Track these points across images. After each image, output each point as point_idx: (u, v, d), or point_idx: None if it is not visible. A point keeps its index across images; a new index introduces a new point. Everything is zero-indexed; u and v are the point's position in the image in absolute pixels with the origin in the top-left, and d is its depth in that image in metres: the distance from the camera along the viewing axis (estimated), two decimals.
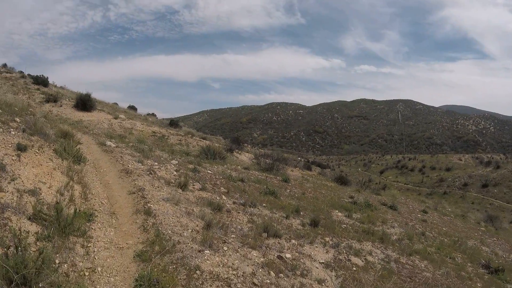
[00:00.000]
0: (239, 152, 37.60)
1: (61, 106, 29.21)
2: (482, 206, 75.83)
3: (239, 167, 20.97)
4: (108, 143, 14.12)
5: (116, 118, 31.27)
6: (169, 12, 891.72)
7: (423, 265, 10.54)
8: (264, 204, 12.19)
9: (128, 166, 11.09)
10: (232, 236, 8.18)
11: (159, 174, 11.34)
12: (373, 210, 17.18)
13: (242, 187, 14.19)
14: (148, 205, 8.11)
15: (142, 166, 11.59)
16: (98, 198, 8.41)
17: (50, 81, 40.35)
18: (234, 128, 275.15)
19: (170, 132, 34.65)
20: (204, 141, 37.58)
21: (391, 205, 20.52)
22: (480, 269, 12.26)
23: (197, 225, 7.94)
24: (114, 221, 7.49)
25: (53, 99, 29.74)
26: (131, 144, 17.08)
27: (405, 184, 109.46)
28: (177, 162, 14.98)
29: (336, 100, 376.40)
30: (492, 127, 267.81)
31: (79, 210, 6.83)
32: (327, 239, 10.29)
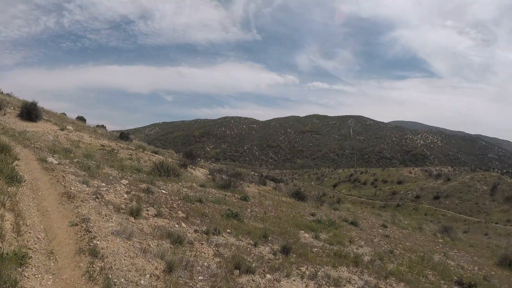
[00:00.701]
0: (193, 167, 36.33)
1: (4, 114, 27.50)
2: (435, 217, 77.85)
3: (194, 184, 19.78)
4: (50, 159, 12.47)
5: (62, 129, 29.49)
6: (125, 21, 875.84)
7: None
8: (228, 230, 10.94)
9: (71, 189, 9.55)
10: (200, 277, 6.91)
11: (107, 198, 9.85)
12: (337, 228, 16.89)
13: (202, 210, 12.85)
14: (94, 242, 6.61)
15: (87, 188, 10.06)
16: (33, 232, 6.97)
17: None
18: (187, 141, 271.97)
19: (120, 146, 32.99)
20: (156, 155, 36.05)
21: (352, 222, 20.34)
22: (454, 286, 12.10)
23: (156, 268, 6.58)
24: (52, 264, 6.03)
25: None
26: (77, 160, 15.42)
27: (358, 197, 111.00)
28: (127, 181, 13.50)
29: (289, 115, 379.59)
30: (439, 141, 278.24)
31: (8, 253, 5.42)
32: (303, 269, 9.23)
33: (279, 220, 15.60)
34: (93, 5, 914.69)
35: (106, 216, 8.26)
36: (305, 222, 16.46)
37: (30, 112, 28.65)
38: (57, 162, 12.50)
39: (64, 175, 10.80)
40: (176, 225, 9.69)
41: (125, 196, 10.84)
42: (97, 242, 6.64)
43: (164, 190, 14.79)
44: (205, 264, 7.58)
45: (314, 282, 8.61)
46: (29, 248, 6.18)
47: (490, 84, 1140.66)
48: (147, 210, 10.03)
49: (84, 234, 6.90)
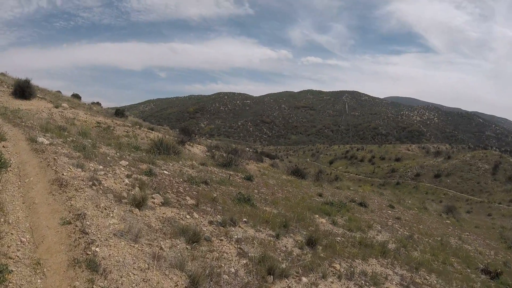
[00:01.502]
0: (191, 144, 35.45)
1: None
2: (437, 196, 77.34)
3: (195, 162, 18.77)
4: (41, 139, 11.06)
5: (57, 107, 28.73)
6: None
7: (435, 281, 9.67)
8: (244, 219, 9.69)
9: (63, 174, 8.20)
10: None
11: (105, 185, 8.51)
12: (349, 210, 16.25)
13: (211, 194, 11.61)
14: (93, 248, 5.18)
15: (82, 173, 8.70)
16: (16, 232, 5.67)
17: None
18: (181, 118, 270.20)
19: (116, 123, 31.95)
20: (153, 132, 35.08)
21: (360, 202, 19.73)
22: (481, 275, 11.92)
23: (177, 284, 5.19)
24: (39, 281, 4.62)
25: None
26: (71, 138, 14.08)
27: (356, 174, 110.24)
28: (127, 162, 12.13)
29: (283, 91, 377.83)
30: (436, 118, 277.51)
31: None
32: (337, 266, 8.09)
33: (289, 202, 14.80)
34: None
35: (105, 209, 6.88)
36: (316, 205, 15.72)
37: (23, 90, 27.76)
38: (48, 142, 11.09)
39: (55, 157, 9.42)
40: (188, 216, 8.37)
41: (126, 180, 9.49)
42: (97, 249, 5.24)
43: (166, 170, 13.64)
44: (232, 270, 6.25)
45: (353, 283, 7.47)
46: (10, 258, 4.85)
47: (487, 60, 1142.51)
48: (153, 198, 8.69)
49: (79, 237, 5.48)
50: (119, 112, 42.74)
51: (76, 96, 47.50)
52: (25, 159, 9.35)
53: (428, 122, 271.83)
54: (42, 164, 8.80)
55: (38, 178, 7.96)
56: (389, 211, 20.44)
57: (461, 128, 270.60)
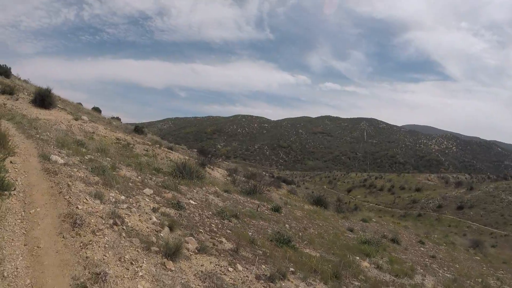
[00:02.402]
0: (211, 167, 34.14)
1: (17, 99, 25.85)
2: (460, 229, 74.60)
3: (218, 189, 17.70)
4: (54, 157, 9.56)
5: (77, 119, 27.76)
6: (142, 17, 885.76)
7: None
8: (291, 269, 8.08)
9: (78, 207, 6.58)
10: None
11: (129, 224, 6.86)
12: (385, 249, 15.54)
13: (245, 234, 10.17)
14: None
15: (101, 206, 7.05)
16: None
17: (15, 73, 37.60)
18: (198, 138, 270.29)
19: (135, 140, 30.86)
20: (172, 152, 33.85)
21: (392, 239, 19.06)
22: None
23: None
24: None
25: (9, 91, 26.33)
26: (89, 157, 12.65)
27: (376, 204, 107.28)
28: (151, 191, 10.59)
29: (301, 116, 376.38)
30: (454, 147, 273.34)
31: None
32: None
33: (324, 240, 13.91)
34: (112, 0, 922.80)
35: (132, 263, 5.13)
36: (352, 243, 15.04)
37: (43, 98, 26.96)
38: (63, 162, 9.57)
39: (70, 182, 7.85)
40: (230, 268, 6.63)
41: (154, 218, 7.78)
42: None
43: (192, 199, 12.47)
44: None
45: None
46: None
47: (505, 88, 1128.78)
48: (186, 242, 7.04)
49: None
50: (138, 129, 42.10)
51: (96, 110, 46.74)
52: (33, 181, 7.81)
53: (447, 151, 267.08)
54: (53, 191, 7.25)
55: (47, 210, 6.38)
56: (422, 248, 19.79)
57: (480, 158, 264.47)
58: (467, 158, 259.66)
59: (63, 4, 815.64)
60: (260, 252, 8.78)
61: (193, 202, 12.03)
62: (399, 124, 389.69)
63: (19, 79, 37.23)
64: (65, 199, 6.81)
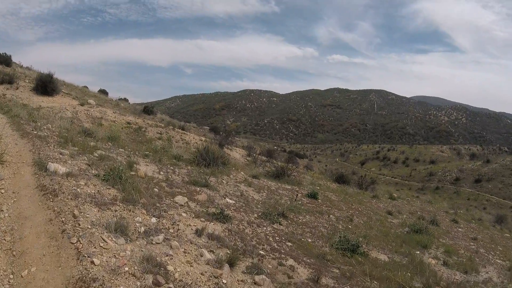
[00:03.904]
0: (230, 148, 32.12)
1: (17, 88, 24.44)
2: (479, 203, 72.96)
3: (245, 175, 16.72)
4: (53, 166, 6.90)
5: (83, 104, 26.33)
6: None
7: None
8: None
9: (93, 262, 4.08)
10: None
11: (177, 276, 4.38)
12: (434, 236, 14.41)
13: (305, 243, 8.98)
14: None
15: (128, 250, 4.53)
16: None
17: (17, 61, 36.78)
18: (207, 114, 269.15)
19: (147, 123, 28.74)
20: (186, 133, 31.81)
21: (431, 220, 17.71)
22: None
23: None
24: None
25: (8, 79, 24.79)
26: (99, 153, 10.26)
27: (392, 177, 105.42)
28: (185, 199, 8.22)
29: (309, 89, 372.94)
30: (464, 118, 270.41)
31: None
32: None
33: (374, 232, 12.88)
34: None
35: None
36: (400, 231, 14.20)
37: (45, 85, 25.39)
38: (64, 171, 6.95)
39: (76, 209, 5.28)
40: None
41: (205, 253, 5.18)
42: None
43: (228, 197, 10.94)
44: None
45: None
46: None
47: None
48: (256, 284, 4.75)
49: None
50: (147, 109, 40.51)
51: (103, 92, 45.77)
52: (25, 209, 5.40)
53: (456, 122, 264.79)
54: (53, 227, 4.77)
55: (46, 271, 3.96)
56: (459, 229, 18.80)
57: (489, 129, 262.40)
58: (477, 129, 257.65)
59: None
60: (337, 271, 7.45)
61: (231, 201, 10.53)
62: (408, 96, 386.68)
63: (21, 66, 36.10)
64: (72, 243, 4.36)
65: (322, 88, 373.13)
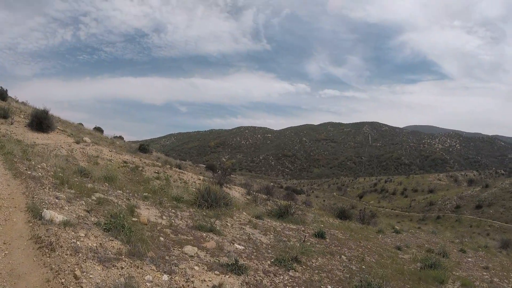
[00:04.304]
0: (229, 186, 31.45)
1: (11, 123, 24.20)
2: (482, 229, 71.99)
3: (248, 216, 16.12)
4: (49, 214, 6.04)
5: (78, 142, 26.07)
6: (139, 35, 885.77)
7: None
8: None
9: None
10: None
11: None
12: (448, 270, 13.57)
13: None
14: None
15: None
16: None
17: (12, 95, 36.61)
18: (202, 152, 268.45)
19: (144, 162, 28.18)
20: (184, 172, 31.30)
21: (440, 252, 17.36)
22: None
23: None
24: None
25: (3, 114, 24.78)
26: (97, 196, 9.59)
27: (392, 209, 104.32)
28: (194, 249, 7.48)
29: (303, 124, 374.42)
30: (457, 145, 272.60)
31: None
32: None
33: (386, 269, 11.99)
34: (107, 19, 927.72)
35: None
36: (413, 267, 13.47)
37: (41, 121, 25.15)
38: (61, 219, 6.07)
39: (77, 269, 4.53)
40: None
41: None
42: None
43: (236, 242, 10.18)
44: None
45: None
46: None
47: (502, 83, 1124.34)
48: None
49: None
50: (143, 148, 40.35)
51: (98, 129, 45.98)
52: (17, 265, 4.62)
53: (450, 149, 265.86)
54: None
55: None
56: (469, 259, 18.42)
57: (484, 153, 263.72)
58: (471, 154, 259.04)
59: (60, 24, 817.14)
60: None
61: (240, 247, 9.82)
62: (401, 126, 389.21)
63: (17, 101, 36.08)
64: None
65: (316, 123, 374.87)
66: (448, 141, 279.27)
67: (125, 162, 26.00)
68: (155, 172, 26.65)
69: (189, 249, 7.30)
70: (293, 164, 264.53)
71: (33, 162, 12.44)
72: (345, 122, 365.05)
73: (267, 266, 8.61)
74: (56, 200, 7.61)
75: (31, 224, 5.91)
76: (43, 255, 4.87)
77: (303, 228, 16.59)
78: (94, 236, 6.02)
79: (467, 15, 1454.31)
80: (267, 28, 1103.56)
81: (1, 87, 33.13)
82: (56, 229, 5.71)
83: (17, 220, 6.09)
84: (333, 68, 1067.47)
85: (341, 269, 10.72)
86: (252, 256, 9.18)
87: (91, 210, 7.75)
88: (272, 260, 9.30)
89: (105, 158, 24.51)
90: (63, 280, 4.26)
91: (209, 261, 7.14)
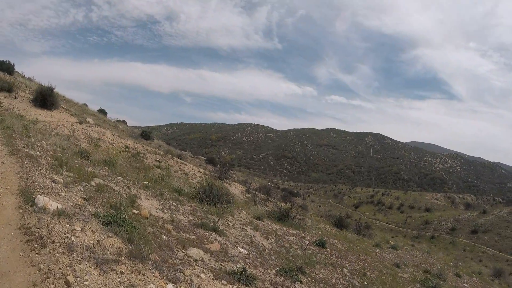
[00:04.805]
0: (229, 182, 30.92)
1: (15, 98, 23.43)
2: (475, 255, 71.39)
3: (248, 216, 15.83)
4: (42, 200, 5.37)
5: (81, 122, 25.62)
6: (151, 21, 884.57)
7: None
8: None
9: None
10: None
11: None
12: None
13: None
14: None
15: None
16: None
17: (20, 70, 36.32)
18: (203, 144, 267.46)
19: (146, 149, 27.67)
20: (185, 163, 30.80)
21: (437, 275, 17.19)
22: None
23: None
24: None
25: (7, 87, 23.83)
26: (96, 181, 8.94)
27: (387, 223, 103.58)
28: (200, 252, 6.86)
29: (306, 127, 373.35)
30: (458, 167, 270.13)
31: None
32: None
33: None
34: (121, 3, 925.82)
35: None
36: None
37: (45, 98, 24.48)
38: (56, 208, 5.42)
39: (71, 274, 3.79)
40: None
41: None
42: None
43: (239, 245, 9.75)
44: None
45: None
46: None
47: (511, 111, 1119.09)
48: None
49: None
50: (145, 134, 40.19)
51: (102, 112, 45.45)
52: (1, 259, 4.04)
53: (451, 170, 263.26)
54: None
55: None
56: (464, 284, 18.57)
57: (483, 179, 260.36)
58: (471, 178, 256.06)
59: (72, 4, 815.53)
60: None
61: (244, 251, 9.31)
62: (404, 141, 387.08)
63: (23, 76, 35.57)
64: None
65: (319, 128, 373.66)
66: (449, 161, 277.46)
67: (126, 147, 25.54)
68: (157, 161, 26.19)
69: (194, 252, 6.63)
70: (292, 166, 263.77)
71: (32, 139, 11.78)
72: (348, 130, 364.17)
73: (273, 276, 8.12)
74: (52, 184, 6.92)
75: (21, 210, 5.22)
76: (31, 251, 4.19)
77: (303, 235, 16.24)
78: (92, 231, 5.30)
79: (483, 38, 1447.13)
80: (280, 27, 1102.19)
81: (8, 61, 32.63)
82: (49, 219, 5.02)
83: (7, 204, 5.39)
84: (342, 74, 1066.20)
85: (344, 284, 10.34)
86: (257, 263, 8.69)
87: (90, 198, 7.05)
88: (277, 269, 8.84)
89: (107, 141, 24.13)
90: (52, 286, 3.59)
91: (214, 267, 6.49)
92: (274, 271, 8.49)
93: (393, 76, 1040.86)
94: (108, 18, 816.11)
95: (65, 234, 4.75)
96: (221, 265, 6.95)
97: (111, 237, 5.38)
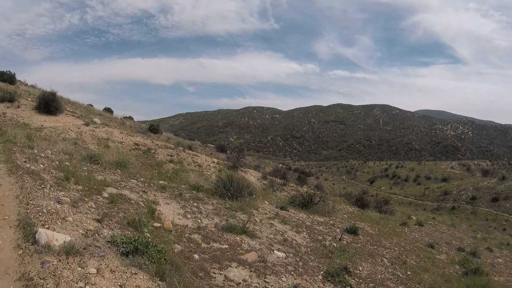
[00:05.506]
0: (244, 170, 30.08)
1: (18, 107, 23.47)
2: (498, 223, 69.78)
3: (269, 204, 15.50)
4: (44, 235, 4.25)
5: (87, 124, 25.35)
6: (145, 16, 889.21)
7: None
8: None
9: None
10: None
11: None
12: (487, 274, 12.86)
13: None
14: None
15: None
16: None
17: (21, 78, 37.26)
18: (210, 132, 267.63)
19: (156, 144, 26.88)
20: (198, 155, 30.02)
21: (472, 252, 16.99)
22: None
23: None
24: None
25: (8, 97, 23.99)
26: (109, 191, 7.95)
27: (404, 197, 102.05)
28: (241, 274, 5.83)
29: (312, 105, 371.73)
30: (470, 132, 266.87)
31: None
32: None
33: (431, 274, 11.16)
34: (114, 1, 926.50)
35: None
36: (453, 271, 12.57)
37: (48, 103, 24.43)
38: (63, 243, 4.16)
39: None
40: None
41: None
42: None
43: (275, 248, 8.81)
44: None
45: None
46: None
47: None
48: None
49: None
50: (153, 128, 40.19)
51: (108, 110, 45.87)
52: None
53: (463, 136, 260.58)
54: None
55: None
56: (499, 260, 17.72)
57: (496, 143, 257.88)
58: (484, 143, 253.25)
59: (66, 9, 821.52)
60: None
61: (281, 254, 8.35)
62: (413, 110, 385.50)
63: (26, 84, 36.49)
64: None
65: (325, 104, 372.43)
66: (461, 127, 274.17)
67: (136, 144, 24.82)
68: (168, 155, 25.52)
69: (234, 273, 5.61)
70: (301, 145, 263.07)
71: (36, 150, 10.81)
72: (355, 104, 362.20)
73: (321, 284, 7.26)
74: (58, 206, 5.78)
75: (21, 251, 4.11)
76: None
77: (331, 221, 15.54)
78: (111, 270, 4.14)
79: None
80: (275, 7, 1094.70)
81: (8, 71, 32.71)
82: (55, 262, 3.85)
83: (4, 243, 4.25)
84: (343, 48, 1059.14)
85: (391, 279, 9.65)
86: (299, 269, 7.86)
87: (103, 217, 5.93)
88: (322, 273, 8.04)
89: (116, 140, 23.53)
90: None
91: (259, 286, 5.48)
92: (320, 277, 7.70)
93: (395, 45, 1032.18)
94: (103, 18, 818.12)
95: (76, 283, 3.63)
96: (265, 281, 6.01)
97: (136, 273, 4.22)
